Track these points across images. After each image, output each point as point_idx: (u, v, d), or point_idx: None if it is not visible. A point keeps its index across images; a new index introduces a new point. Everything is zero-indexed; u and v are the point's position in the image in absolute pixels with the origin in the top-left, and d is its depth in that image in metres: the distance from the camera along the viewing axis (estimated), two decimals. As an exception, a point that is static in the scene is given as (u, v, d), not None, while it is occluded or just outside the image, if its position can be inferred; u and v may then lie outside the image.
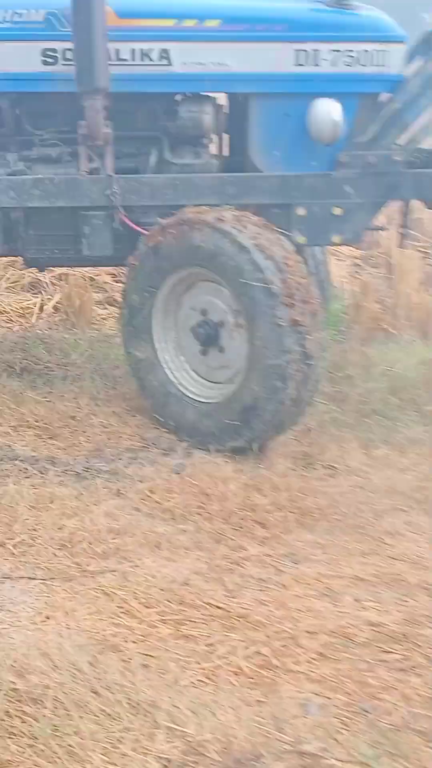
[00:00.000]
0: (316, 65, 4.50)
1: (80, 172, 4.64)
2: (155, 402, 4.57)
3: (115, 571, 3.31)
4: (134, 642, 2.93)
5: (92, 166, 4.64)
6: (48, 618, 3.04)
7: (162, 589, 3.20)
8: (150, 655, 2.87)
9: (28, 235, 4.84)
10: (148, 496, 3.90)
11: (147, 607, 3.11)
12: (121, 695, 2.65)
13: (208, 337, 4.43)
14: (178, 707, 2.61)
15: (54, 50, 4.48)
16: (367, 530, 3.71)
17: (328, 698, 2.71)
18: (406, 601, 3.20)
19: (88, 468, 4.12)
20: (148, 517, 3.74)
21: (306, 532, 3.67)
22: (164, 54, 4.52)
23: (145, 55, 4.52)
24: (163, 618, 3.05)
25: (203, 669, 2.82)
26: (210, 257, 4.25)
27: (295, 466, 4.27)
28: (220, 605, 3.13)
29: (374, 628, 3.04)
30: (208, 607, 3.12)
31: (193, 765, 2.42)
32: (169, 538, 3.56)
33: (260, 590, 3.24)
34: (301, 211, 4.56)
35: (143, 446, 4.40)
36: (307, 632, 3.00)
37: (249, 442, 4.27)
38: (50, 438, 4.48)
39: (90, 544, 3.50)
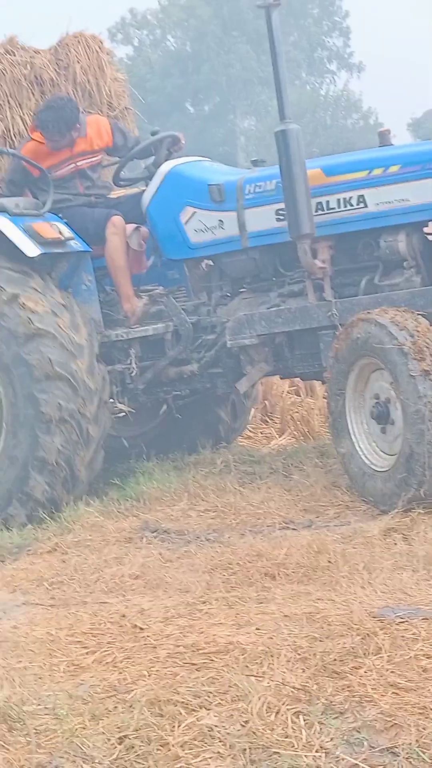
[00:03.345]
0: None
1: (309, 300, 5.91)
2: (356, 485, 5.43)
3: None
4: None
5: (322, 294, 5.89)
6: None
7: None
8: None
9: (293, 354, 6.12)
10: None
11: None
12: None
13: (381, 415, 5.32)
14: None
15: (283, 209, 5.89)
16: None
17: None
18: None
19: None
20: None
21: None
22: (361, 199, 5.72)
23: (347, 202, 5.76)
24: None
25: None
26: (364, 344, 5.24)
27: None
28: None
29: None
30: None
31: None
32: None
33: None
34: None
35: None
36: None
37: (418, 488, 5.00)
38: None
39: None
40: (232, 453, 6.29)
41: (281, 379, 7.00)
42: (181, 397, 6.58)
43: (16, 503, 5.58)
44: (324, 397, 6.10)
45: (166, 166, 6.38)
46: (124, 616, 3.76)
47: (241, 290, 6.30)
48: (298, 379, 7.15)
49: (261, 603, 3.82)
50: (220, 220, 6.15)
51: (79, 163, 6.53)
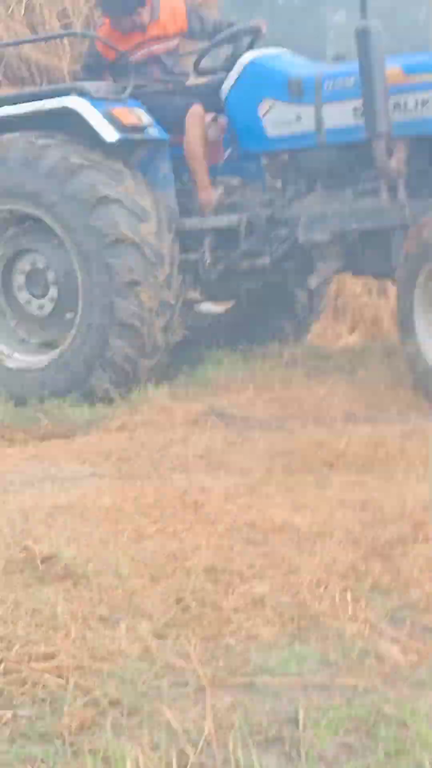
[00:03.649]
0: None
1: (382, 200, 5.94)
2: (420, 383, 5.52)
3: None
4: None
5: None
6: None
7: None
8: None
9: (364, 252, 6.18)
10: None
11: None
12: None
13: None
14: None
15: (360, 107, 5.88)
16: None
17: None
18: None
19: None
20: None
21: None
22: (441, 101, 5.70)
23: (425, 102, 5.74)
24: None
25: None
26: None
27: None
28: None
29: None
30: None
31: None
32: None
33: None
34: None
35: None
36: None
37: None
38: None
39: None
40: (302, 348, 6.42)
41: (353, 276, 7.07)
42: (253, 290, 6.69)
43: (99, 370, 5.78)
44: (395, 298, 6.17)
45: (246, 57, 6.37)
46: (186, 492, 3.94)
47: (316, 186, 6.32)
48: (370, 278, 7.24)
49: (318, 488, 3.98)
50: (298, 115, 6.16)
51: (153, 48, 6.55)
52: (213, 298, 6.63)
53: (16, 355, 6.18)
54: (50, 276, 6.15)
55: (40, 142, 6.01)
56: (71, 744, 2.42)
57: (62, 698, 2.59)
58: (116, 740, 2.40)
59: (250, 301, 6.87)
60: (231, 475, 4.17)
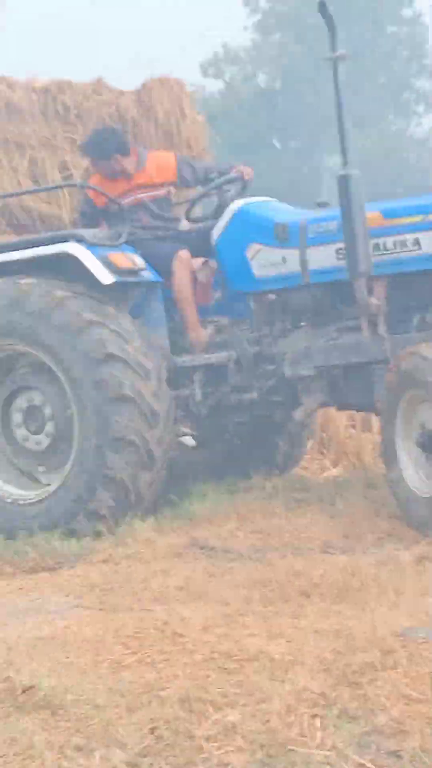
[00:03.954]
0: None
1: (363, 335, 6.19)
2: (402, 509, 5.69)
3: None
4: None
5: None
6: None
7: None
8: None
9: (348, 386, 6.39)
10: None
11: None
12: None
13: (426, 443, 5.55)
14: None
15: (343, 249, 6.17)
16: None
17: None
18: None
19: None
20: None
21: None
22: (416, 242, 5.99)
23: (403, 244, 6.03)
24: None
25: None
26: (411, 376, 5.50)
27: None
28: None
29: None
30: None
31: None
32: None
33: None
34: None
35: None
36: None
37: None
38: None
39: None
40: (285, 480, 6.58)
41: (337, 410, 7.28)
42: (241, 424, 6.89)
43: (82, 517, 5.93)
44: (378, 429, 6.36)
45: (235, 205, 6.72)
46: (166, 623, 4.05)
47: (301, 324, 6.60)
48: (355, 413, 7.43)
49: (294, 618, 4.08)
50: (284, 257, 6.46)
51: (139, 196, 6.91)
52: (203, 431, 6.81)
53: (12, 489, 6.34)
54: (47, 411, 6.36)
55: (58, 293, 6.22)
56: None
57: None
58: None
59: (241, 435, 7.06)
60: (210, 605, 4.28)
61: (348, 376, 6.33)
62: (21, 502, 6.23)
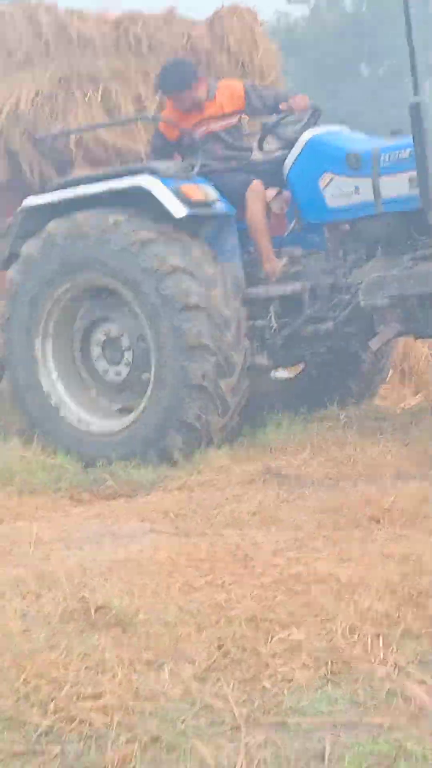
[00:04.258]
0: None
1: (433, 265, 6.15)
2: None
3: None
4: None
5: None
6: None
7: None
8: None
9: (424, 315, 6.39)
10: None
11: None
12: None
13: None
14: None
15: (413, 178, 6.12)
16: None
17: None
18: None
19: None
20: None
21: None
22: None
23: None
24: None
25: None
26: None
27: None
28: None
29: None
30: None
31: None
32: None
33: None
34: None
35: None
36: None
37: None
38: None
39: None
40: (360, 410, 6.61)
41: (415, 339, 7.26)
42: (317, 355, 6.91)
43: (173, 431, 6.05)
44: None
45: (307, 135, 6.67)
46: (238, 546, 4.15)
47: (376, 253, 6.57)
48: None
49: (363, 543, 4.15)
50: (356, 186, 6.43)
51: (211, 126, 6.90)
52: (279, 363, 6.85)
53: (95, 420, 6.49)
54: (124, 342, 6.47)
55: (113, 218, 6.34)
56: (114, 778, 2.64)
57: (107, 735, 2.81)
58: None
59: (318, 366, 7.09)
60: (281, 530, 4.37)
61: (423, 306, 6.30)
62: (100, 432, 6.38)
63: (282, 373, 6.96)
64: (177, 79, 6.88)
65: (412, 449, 5.60)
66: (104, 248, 6.30)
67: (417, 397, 7.51)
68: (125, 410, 6.45)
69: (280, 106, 6.84)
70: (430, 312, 6.30)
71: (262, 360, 6.62)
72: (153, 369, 6.15)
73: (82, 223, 6.41)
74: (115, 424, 6.40)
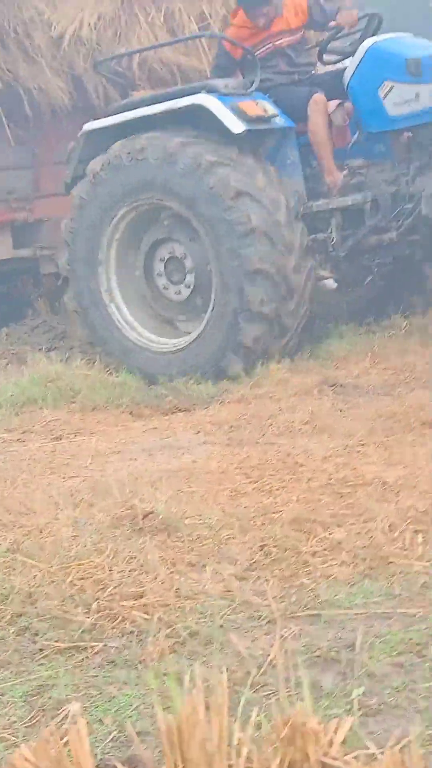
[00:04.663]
0: None
1: None
2: None
3: None
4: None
5: None
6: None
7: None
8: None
9: None
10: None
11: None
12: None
13: None
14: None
15: None
16: None
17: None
18: None
19: None
20: None
21: None
22: None
23: None
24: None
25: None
26: None
27: None
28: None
29: None
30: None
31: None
32: None
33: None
34: None
35: None
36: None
37: None
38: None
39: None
40: (425, 319, 6.55)
41: None
42: (383, 265, 6.86)
43: (230, 353, 6.11)
44: None
45: (366, 43, 6.56)
46: (288, 454, 4.22)
47: (439, 161, 6.48)
48: None
49: (414, 447, 4.18)
50: (417, 93, 6.32)
51: (277, 42, 6.82)
52: (343, 275, 6.83)
53: (154, 336, 6.58)
54: (188, 264, 6.52)
55: (176, 140, 6.35)
56: (152, 669, 2.75)
57: (147, 631, 2.92)
58: (191, 666, 2.70)
59: (384, 277, 7.04)
60: (333, 437, 4.41)
61: None
62: (162, 349, 6.47)
63: (329, 283, 6.91)
64: None
65: (473, 355, 5.56)
66: (169, 170, 6.33)
67: None
68: (185, 331, 6.52)
69: (330, 24, 6.72)
70: None
71: (326, 272, 6.61)
72: (214, 292, 6.19)
73: (146, 144, 6.43)
74: (177, 341, 6.48)
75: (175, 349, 6.40)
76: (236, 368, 6.03)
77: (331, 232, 6.54)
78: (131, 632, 2.95)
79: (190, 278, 6.51)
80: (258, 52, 6.79)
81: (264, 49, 6.83)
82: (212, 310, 6.21)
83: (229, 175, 6.17)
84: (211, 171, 6.18)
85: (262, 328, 6.08)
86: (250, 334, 6.06)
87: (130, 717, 2.54)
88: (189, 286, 6.52)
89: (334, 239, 6.53)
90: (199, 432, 4.82)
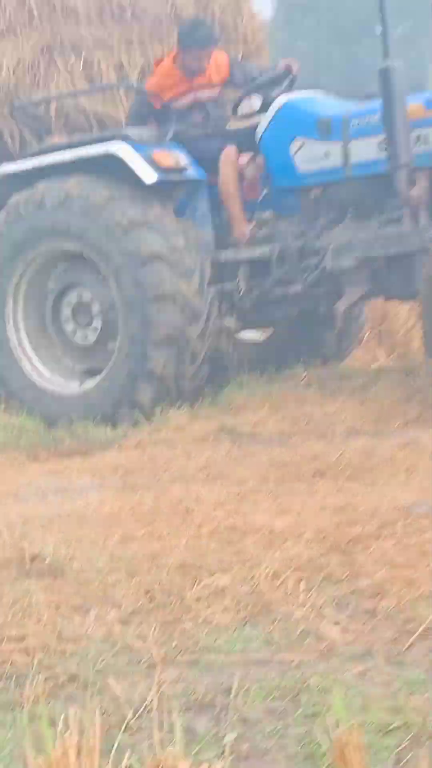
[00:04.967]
0: None
1: (405, 227, 6.21)
2: None
3: None
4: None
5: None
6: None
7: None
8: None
9: (389, 277, 6.45)
10: None
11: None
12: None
13: None
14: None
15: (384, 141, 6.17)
16: None
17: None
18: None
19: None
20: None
21: None
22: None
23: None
24: None
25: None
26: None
27: None
28: None
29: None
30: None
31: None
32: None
33: None
34: None
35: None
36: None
37: None
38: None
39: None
40: (325, 370, 6.68)
41: (399, 303, 7.32)
42: (287, 318, 6.98)
43: (123, 407, 6.15)
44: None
45: (279, 100, 6.73)
46: (181, 500, 4.25)
47: (346, 217, 6.62)
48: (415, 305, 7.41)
49: (304, 495, 4.25)
50: (327, 151, 6.49)
51: (198, 95, 6.95)
52: (248, 325, 6.94)
53: (57, 379, 6.60)
54: (95, 308, 6.57)
55: (71, 183, 6.42)
56: (28, 712, 2.75)
57: (26, 674, 2.92)
58: (67, 709, 2.71)
59: (288, 329, 7.17)
60: (226, 485, 4.47)
61: (390, 267, 6.38)
62: (64, 392, 6.49)
63: (251, 335, 7.03)
64: (204, 36, 6.91)
65: (368, 407, 5.68)
66: (65, 213, 6.38)
67: (389, 357, 7.58)
68: (90, 373, 6.56)
69: (280, 66, 6.89)
70: (395, 273, 6.38)
71: (231, 322, 6.71)
72: (120, 324, 6.25)
73: (43, 191, 6.49)
74: (80, 384, 6.53)
75: (78, 392, 6.43)
76: (149, 398, 6.11)
77: (238, 283, 6.65)
78: (10, 676, 2.95)
79: (96, 322, 6.56)
80: (178, 102, 6.91)
81: (186, 99, 6.96)
82: (120, 343, 6.28)
83: (126, 208, 6.26)
84: (107, 207, 6.27)
85: (172, 353, 6.18)
86: (160, 360, 6.13)
87: (2, 760, 2.54)
88: (95, 331, 6.56)
89: (241, 289, 6.64)
90: (94, 476, 4.85)
